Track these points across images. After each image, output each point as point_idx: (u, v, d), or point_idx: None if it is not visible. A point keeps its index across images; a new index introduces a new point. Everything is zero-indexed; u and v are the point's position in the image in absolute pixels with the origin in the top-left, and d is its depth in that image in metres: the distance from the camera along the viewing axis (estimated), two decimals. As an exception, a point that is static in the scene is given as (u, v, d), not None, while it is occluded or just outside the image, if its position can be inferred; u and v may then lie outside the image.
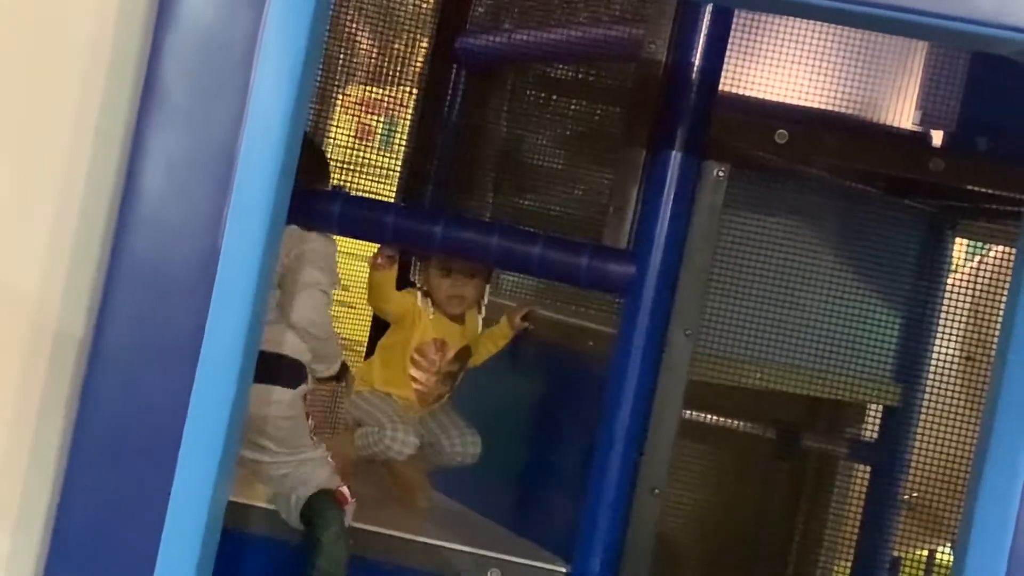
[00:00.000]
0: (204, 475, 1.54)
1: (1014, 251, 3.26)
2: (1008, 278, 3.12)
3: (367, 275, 2.69)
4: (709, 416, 3.04)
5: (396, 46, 3.57)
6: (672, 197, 2.47)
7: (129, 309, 1.54)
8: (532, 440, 2.82)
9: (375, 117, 3.58)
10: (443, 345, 2.67)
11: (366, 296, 2.72)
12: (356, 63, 3.50)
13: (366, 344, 3.20)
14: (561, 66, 3.12)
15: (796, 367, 2.79)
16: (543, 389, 2.83)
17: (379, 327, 2.92)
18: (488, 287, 2.70)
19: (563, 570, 2.48)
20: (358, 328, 3.39)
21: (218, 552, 1.63)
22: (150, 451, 1.52)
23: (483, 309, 2.74)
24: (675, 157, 2.47)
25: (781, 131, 2.49)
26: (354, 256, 3.27)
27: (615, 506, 2.49)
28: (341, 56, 3.40)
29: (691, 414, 2.85)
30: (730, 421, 3.10)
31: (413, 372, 2.67)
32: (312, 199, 2.60)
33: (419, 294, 2.65)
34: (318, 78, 3.15)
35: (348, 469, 2.70)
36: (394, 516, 2.62)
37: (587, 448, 2.52)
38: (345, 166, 3.26)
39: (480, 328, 2.74)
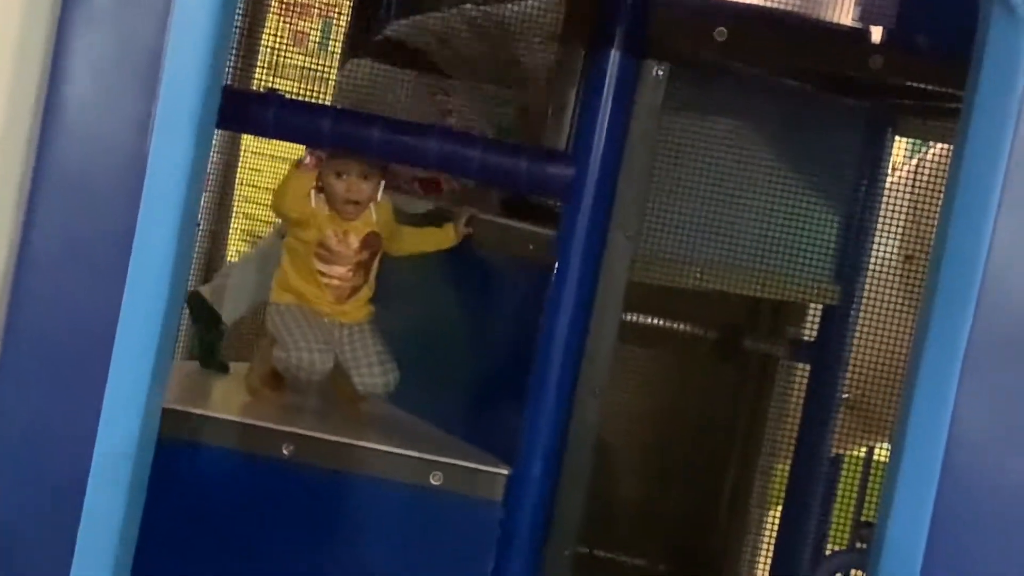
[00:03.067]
0: (136, 384, 1.52)
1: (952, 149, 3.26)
2: (946, 177, 3.13)
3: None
4: (650, 318, 3.05)
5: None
6: (611, 97, 2.44)
7: (55, 218, 1.51)
8: (473, 345, 2.81)
9: (309, 21, 3.52)
10: (344, 234, 2.63)
11: (275, 194, 2.66)
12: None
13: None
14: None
15: (736, 267, 2.80)
16: (483, 294, 2.82)
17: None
18: (383, 182, 2.65)
19: (505, 472, 2.49)
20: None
21: (157, 462, 1.61)
22: (80, 365, 1.50)
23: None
24: (614, 56, 2.44)
25: (720, 29, 2.46)
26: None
27: (556, 409, 2.50)
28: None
29: (632, 316, 2.86)
30: (671, 322, 3.11)
31: (321, 267, 2.64)
32: (246, 103, 2.56)
33: (312, 192, 2.60)
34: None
35: (277, 380, 2.68)
36: (335, 422, 2.62)
37: (528, 352, 2.52)
38: (279, 71, 3.20)
39: (391, 213, 2.69)
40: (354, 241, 2.64)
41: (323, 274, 2.63)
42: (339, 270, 2.64)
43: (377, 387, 2.63)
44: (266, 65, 3.29)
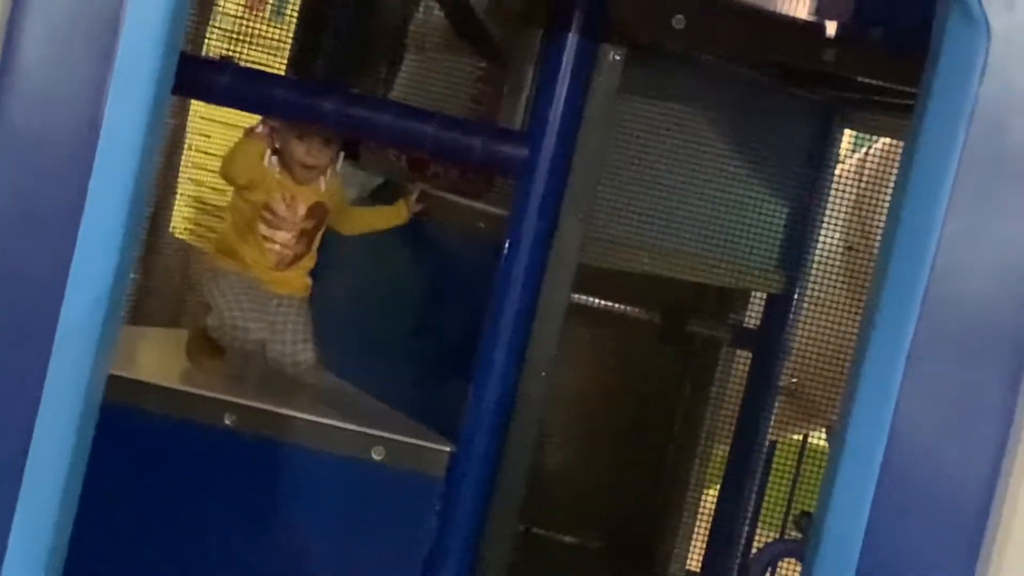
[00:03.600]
0: (83, 353, 1.51)
1: (899, 144, 3.31)
2: (891, 171, 3.18)
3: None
4: (597, 300, 3.07)
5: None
6: (567, 79, 2.45)
7: (6, 181, 1.49)
8: (421, 321, 2.81)
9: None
10: (292, 199, 2.62)
11: (224, 159, 2.64)
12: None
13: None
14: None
15: (683, 253, 2.82)
16: (433, 270, 2.82)
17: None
18: (341, 153, 2.65)
19: (448, 450, 2.50)
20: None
21: (97, 428, 1.60)
22: (27, 328, 1.49)
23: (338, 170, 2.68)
24: (571, 39, 2.44)
25: (678, 16, 2.47)
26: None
27: (502, 388, 2.51)
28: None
29: (579, 297, 2.87)
30: (617, 305, 3.13)
31: (265, 231, 2.62)
32: (201, 70, 2.53)
33: (267, 152, 2.59)
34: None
35: (216, 348, 2.66)
36: (278, 393, 2.61)
37: (476, 330, 2.53)
38: (234, 37, 3.18)
39: (341, 189, 2.69)
40: (301, 208, 2.63)
41: (267, 239, 2.62)
42: (283, 235, 2.62)
43: (286, 367, 2.61)
44: (219, 29, 3.27)
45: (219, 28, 3.22)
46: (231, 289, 2.60)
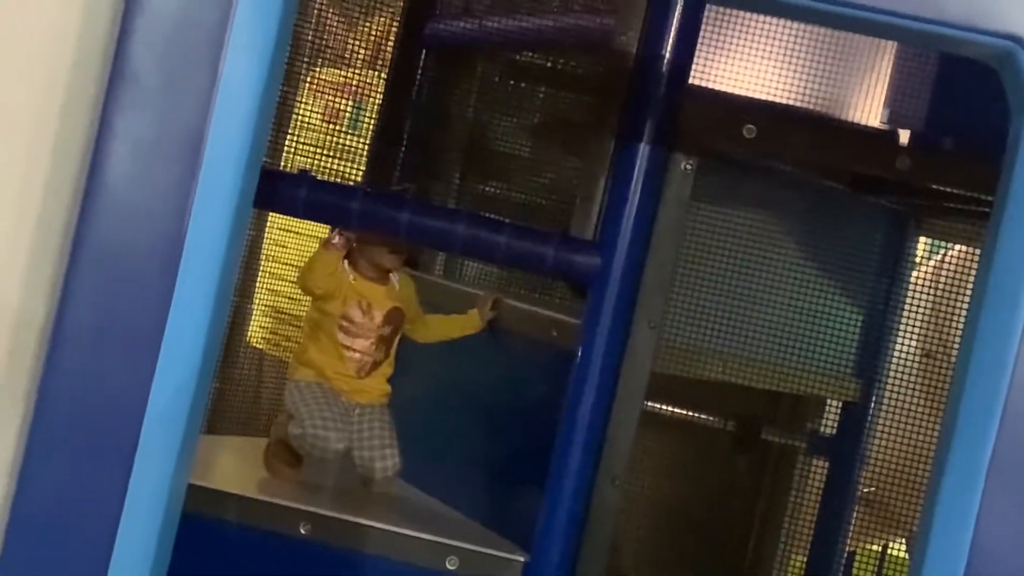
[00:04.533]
0: (163, 464, 1.53)
1: (974, 250, 3.29)
2: (968, 277, 3.16)
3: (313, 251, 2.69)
4: (670, 407, 3.05)
5: (365, 26, 3.56)
6: (639, 189, 2.47)
7: (91, 294, 1.53)
8: (494, 429, 2.81)
9: (344, 99, 3.57)
10: (369, 307, 2.65)
11: (302, 271, 2.70)
12: (325, 44, 3.49)
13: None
14: (531, 53, 3.12)
15: (758, 361, 2.80)
16: (506, 377, 2.83)
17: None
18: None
19: (522, 559, 2.49)
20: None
21: (181, 539, 1.62)
22: (109, 439, 1.51)
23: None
24: (643, 149, 2.47)
25: (750, 126, 2.49)
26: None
27: (575, 496, 2.49)
28: (310, 37, 3.38)
29: (652, 405, 2.86)
30: (691, 413, 3.11)
31: (344, 340, 2.65)
32: (277, 183, 2.59)
33: (341, 259, 2.64)
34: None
35: (295, 457, 2.68)
36: (354, 502, 2.61)
37: (549, 438, 2.52)
38: (312, 147, 3.25)
39: (414, 293, 2.73)
40: (378, 315, 2.66)
41: (346, 347, 2.65)
42: (362, 343, 2.66)
43: (375, 471, 2.63)
44: (296, 139, 3.34)
45: (296, 137, 3.30)
46: (313, 399, 2.63)
